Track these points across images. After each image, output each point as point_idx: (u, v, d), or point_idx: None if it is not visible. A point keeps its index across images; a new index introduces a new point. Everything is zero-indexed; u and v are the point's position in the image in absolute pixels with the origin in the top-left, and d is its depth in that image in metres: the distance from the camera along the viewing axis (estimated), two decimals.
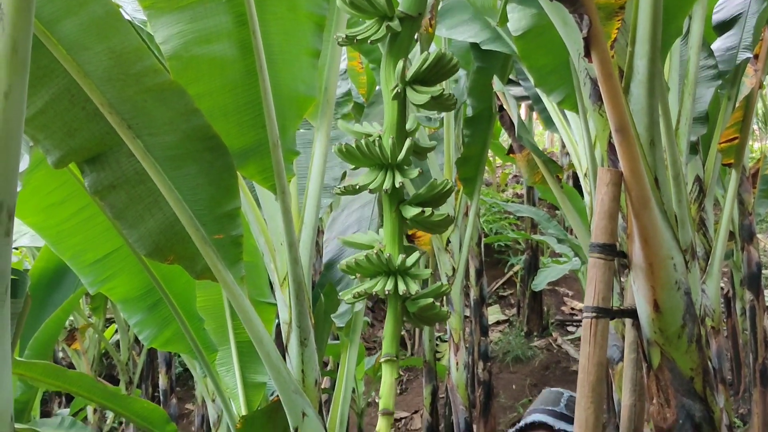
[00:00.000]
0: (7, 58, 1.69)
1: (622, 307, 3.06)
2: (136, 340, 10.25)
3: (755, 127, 14.20)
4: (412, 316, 2.80)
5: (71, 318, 8.91)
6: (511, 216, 15.84)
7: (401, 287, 2.68)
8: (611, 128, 2.77)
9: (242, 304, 3.64)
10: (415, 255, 2.71)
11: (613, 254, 2.81)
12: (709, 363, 3.04)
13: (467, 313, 10.55)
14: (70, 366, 10.33)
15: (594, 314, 2.77)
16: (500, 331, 14.28)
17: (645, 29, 2.95)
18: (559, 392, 3.60)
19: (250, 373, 5.04)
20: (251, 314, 3.67)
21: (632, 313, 3.00)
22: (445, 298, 7.74)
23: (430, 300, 2.75)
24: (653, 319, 2.89)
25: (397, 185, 2.69)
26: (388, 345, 2.74)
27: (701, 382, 2.91)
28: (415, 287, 2.69)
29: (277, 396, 3.92)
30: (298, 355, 3.90)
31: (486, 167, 13.34)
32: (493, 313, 14.33)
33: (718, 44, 5.68)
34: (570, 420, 3.27)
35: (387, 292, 2.68)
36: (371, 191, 2.73)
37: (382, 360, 2.74)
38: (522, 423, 3.50)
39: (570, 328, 13.94)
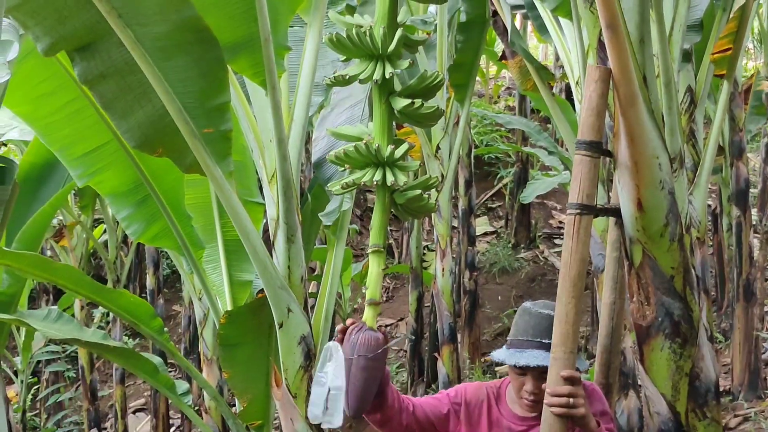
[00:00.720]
0: None
1: (605, 205, 3.07)
2: (124, 240, 10.30)
3: (750, 45, 14.11)
4: (399, 207, 2.82)
5: (60, 216, 8.91)
6: (503, 129, 15.78)
7: (389, 178, 2.69)
8: (601, 25, 2.76)
9: (230, 199, 3.65)
10: (404, 146, 2.72)
11: (599, 152, 2.82)
12: (691, 266, 3.07)
13: (455, 223, 10.60)
14: None
15: (578, 210, 2.79)
16: (487, 242, 14.34)
17: None
18: (550, 317, 3.32)
19: (236, 270, 5.08)
20: (239, 209, 3.69)
21: (616, 212, 3.02)
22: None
23: (418, 191, 2.77)
24: (636, 217, 2.91)
25: (387, 76, 2.69)
26: (376, 235, 2.76)
27: (682, 281, 2.94)
28: (403, 178, 2.71)
29: (263, 292, 3.94)
30: (284, 251, 3.93)
31: (478, 78, 13.28)
32: (481, 225, 14.38)
33: None
34: None
35: (375, 183, 2.70)
36: (361, 81, 2.73)
37: (370, 250, 2.77)
38: (523, 363, 3.28)
39: (557, 241, 13.99)
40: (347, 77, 2.76)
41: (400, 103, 2.72)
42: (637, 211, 2.90)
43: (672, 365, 2.99)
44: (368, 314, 2.79)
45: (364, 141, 2.71)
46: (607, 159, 3.11)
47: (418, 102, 2.70)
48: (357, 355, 2.73)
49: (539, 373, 3.14)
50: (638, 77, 2.85)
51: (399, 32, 2.69)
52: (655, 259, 2.91)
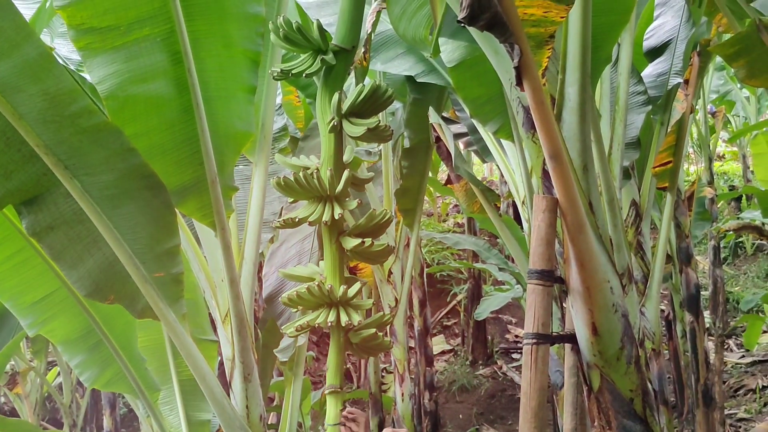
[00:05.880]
0: None
1: (561, 333, 3.08)
2: (79, 382, 10.13)
3: (690, 150, 14.36)
4: (355, 347, 2.82)
5: (12, 362, 8.78)
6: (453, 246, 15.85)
7: (343, 318, 2.69)
8: (545, 155, 2.81)
9: (184, 342, 3.62)
10: (357, 286, 2.73)
11: (551, 280, 2.84)
12: (648, 384, 3.08)
13: (411, 343, 10.54)
14: (13, 411, 10.18)
15: (534, 340, 2.80)
16: (445, 360, 14.27)
17: (574, 57, 3.01)
18: None
19: (193, 410, 5.01)
20: (193, 351, 3.66)
21: (571, 338, 3.03)
22: (388, 329, 7.75)
23: (373, 330, 2.77)
24: (592, 342, 2.92)
25: (336, 217, 2.71)
26: (332, 376, 2.76)
27: (641, 402, 2.94)
28: (357, 318, 2.71)
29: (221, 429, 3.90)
30: (242, 391, 3.89)
31: (426, 198, 13.36)
32: (438, 343, 14.32)
33: (650, 70, 5.76)
34: None
35: (329, 324, 2.70)
36: (311, 224, 2.75)
37: (327, 392, 2.76)
38: None
39: (515, 356, 13.96)
40: (296, 220, 2.78)
41: (351, 243, 2.74)
42: (592, 336, 2.91)
43: None
44: None
45: (317, 282, 2.72)
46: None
47: (368, 241, 2.72)
48: None
49: None
50: (584, 204, 2.90)
51: (346, 173, 2.72)
52: (614, 383, 2.92)
